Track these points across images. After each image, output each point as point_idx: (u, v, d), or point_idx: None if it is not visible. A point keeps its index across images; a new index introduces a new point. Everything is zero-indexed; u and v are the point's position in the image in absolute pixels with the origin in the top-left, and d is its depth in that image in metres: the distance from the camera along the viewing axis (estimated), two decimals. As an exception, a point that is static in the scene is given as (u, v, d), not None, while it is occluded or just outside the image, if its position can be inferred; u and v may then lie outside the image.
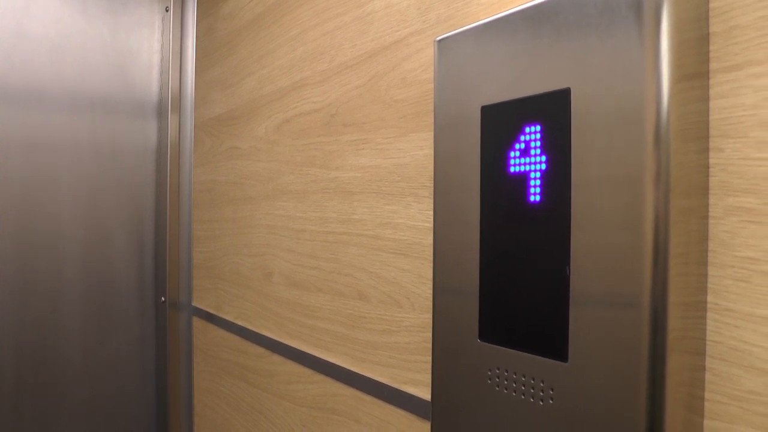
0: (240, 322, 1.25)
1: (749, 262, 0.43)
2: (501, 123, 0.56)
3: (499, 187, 0.56)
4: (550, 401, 0.51)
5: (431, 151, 0.71)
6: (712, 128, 0.45)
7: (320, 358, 0.95)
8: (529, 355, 0.53)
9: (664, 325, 0.43)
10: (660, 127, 0.43)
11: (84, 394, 1.44)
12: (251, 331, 1.19)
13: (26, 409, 1.37)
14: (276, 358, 1.10)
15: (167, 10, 1.53)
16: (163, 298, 1.52)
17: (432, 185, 0.71)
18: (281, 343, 1.07)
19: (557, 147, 0.51)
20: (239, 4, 1.26)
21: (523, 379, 0.53)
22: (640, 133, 0.44)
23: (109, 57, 1.46)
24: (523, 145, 0.54)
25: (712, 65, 0.45)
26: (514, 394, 0.54)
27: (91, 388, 1.45)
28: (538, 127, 0.52)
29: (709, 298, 0.45)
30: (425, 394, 0.73)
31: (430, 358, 0.71)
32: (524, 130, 0.54)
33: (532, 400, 0.53)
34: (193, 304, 1.52)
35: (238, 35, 1.27)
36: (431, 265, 0.70)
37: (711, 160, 0.45)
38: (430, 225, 0.72)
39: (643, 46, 0.44)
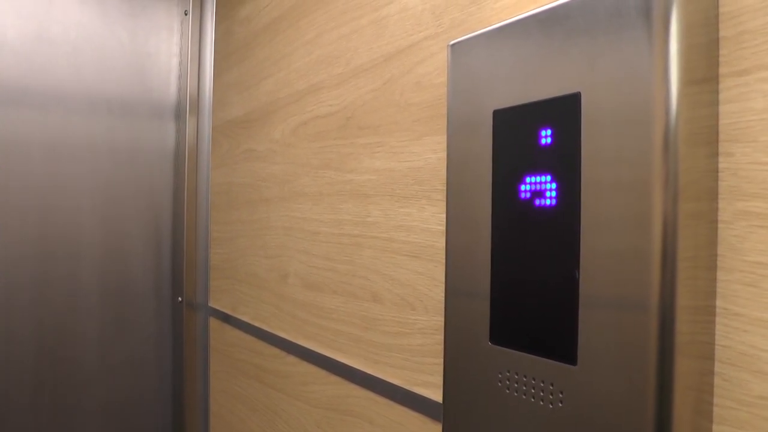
0: (256, 323, 1.26)
1: (758, 266, 0.43)
2: (513, 127, 0.56)
3: (510, 191, 0.56)
4: (560, 404, 0.51)
5: (444, 155, 0.72)
6: (721, 132, 0.45)
7: (335, 360, 0.96)
8: (539, 358, 0.53)
9: (672, 328, 0.43)
10: (669, 131, 0.43)
11: (101, 393, 1.46)
12: (267, 332, 1.20)
13: (44, 407, 1.39)
14: (291, 359, 1.11)
15: (186, 14, 1.54)
16: (180, 299, 1.54)
17: (445, 188, 0.71)
18: (297, 344, 1.08)
19: (567, 151, 0.51)
20: (257, 8, 1.27)
21: (533, 381, 0.54)
22: (648, 137, 0.44)
23: (128, 60, 1.48)
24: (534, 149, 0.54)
25: (722, 69, 0.45)
26: (524, 396, 0.55)
27: (108, 388, 1.47)
28: (549, 131, 0.53)
29: (718, 302, 0.45)
30: (437, 396, 0.74)
31: (442, 361, 0.71)
32: (535, 134, 0.54)
33: (541, 403, 0.53)
34: (210, 304, 1.54)
35: (255, 38, 1.28)
36: (444, 268, 0.71)
37: (720, 165, 0.45)
38: (443, 228, 0.72)
39: (652, 51, 0.44)
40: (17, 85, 1.34)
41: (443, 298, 0.72)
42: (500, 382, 0.57)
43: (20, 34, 1.34)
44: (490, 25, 0.61)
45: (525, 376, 0.55)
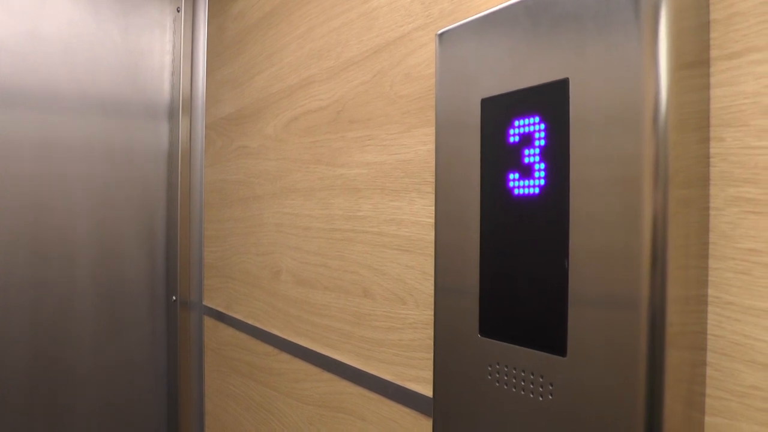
0: (249, 321, 1.25)
1: (750, 253, 0.42)
2: (500, 115, 0.55)
3: (498, 180, 0.55)
4: (549, 396, 0.50)
5: (434, 146, 0.71)
6: (712, 117, 0.44)
7: (327, 356, 0.95)
8: (529, 350, 0.52)
9: (663, 319, 0.42)
10: (659, 117, 0.42)
11: (96, 393, 1.45)
12: (260, 329, 1.19)
13: (39, 408, 1.38)
14: (284, 356, 1.10)
15: (178, 11, 1.53)
16: (174, 298, 1.53)
17: (434, 181, 0.70)
18: (289, 341, 1.07)
19: (556, 138, 0.50)
20: (249, 3, 1.26)
21: (523, 374, 0.53)
22: (638, 123, 0.43)
23: (121, 58, 1.46)
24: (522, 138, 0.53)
25: (713, 53, 0.44)
26: (513, 389, 0.54)
27: (103, 388, 1.46)
28: (537, 119, 0.51)
29: (710, 291, 0.44)
30: (428, 391, 0.73)
31: (432, 355, 0.70)
32: (523, 122, 0.53)
33: (531, 395, 0.52)
34: (204, 303, 1.52)
35: (247, 34, 1.27)
36: (434, 261, 0.70)
37: (712, 150, 0.44)
38: (433, 221, 0.71)
39: (641, 35, 0.43)
40: (10, 83, 1.33)
41: (433, 292, 0.71)
42: (490, 375, 0.56)
43: (13, 33, 1.33)
44: (479, 14, 0.60)
45: (515, 369, 0.53)
